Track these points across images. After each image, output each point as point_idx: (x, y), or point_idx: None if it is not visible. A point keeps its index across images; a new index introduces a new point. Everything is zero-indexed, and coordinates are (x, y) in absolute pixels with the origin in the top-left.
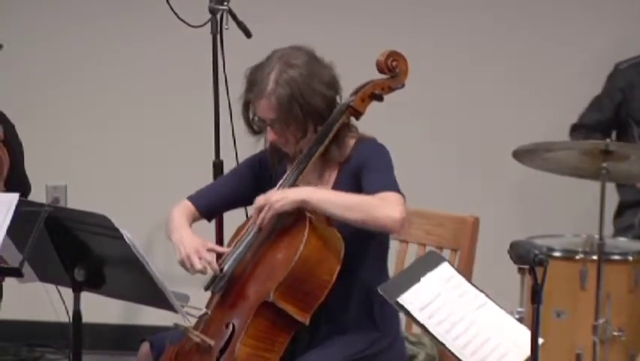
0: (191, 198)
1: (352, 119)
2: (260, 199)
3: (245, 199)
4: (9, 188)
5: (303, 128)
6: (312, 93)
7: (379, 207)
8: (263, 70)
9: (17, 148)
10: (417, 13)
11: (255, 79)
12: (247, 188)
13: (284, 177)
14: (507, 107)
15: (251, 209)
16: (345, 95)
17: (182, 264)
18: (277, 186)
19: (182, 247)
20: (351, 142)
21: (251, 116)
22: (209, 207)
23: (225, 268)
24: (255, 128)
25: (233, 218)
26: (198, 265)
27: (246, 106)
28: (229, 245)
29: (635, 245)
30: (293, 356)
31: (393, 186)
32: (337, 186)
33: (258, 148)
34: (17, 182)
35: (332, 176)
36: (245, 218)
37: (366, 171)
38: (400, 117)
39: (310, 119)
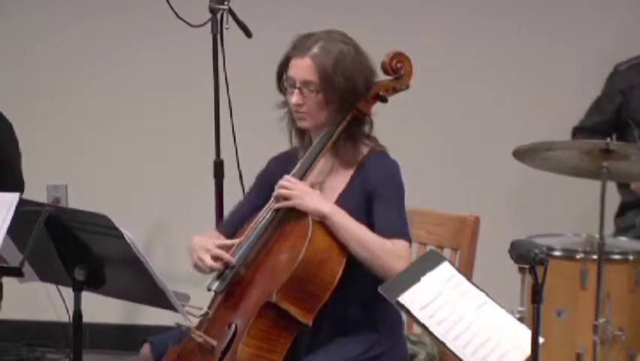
0: (217, 228)
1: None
2: (287, 185)
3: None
4: (1, 187)
5: (335, 101)
6: (356, 70)
7: (388, 259)
8: (312, 36)
9: (11, 147)
10: (418, 14)
11: (301, 40)
12: (262, 202)
13: (295, 168)
14: (508, 107)
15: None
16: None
17: (196, 267)
18: (290, 174)
19: (192, 252)
20: (365, 150)
21: (284, 77)
22: (234, 229)
23: (235, 258)
24: (282, 87)
25: None
26: (210, 262)
27: (285, 63)
28: (237, 237)
29: (635, 245)
30: (294, 358)
31: (405, 231)
32: (349, 187)
33: (259, 147)
34: (10, 181)
35: (347, 174)
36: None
37: (380, 200)
38: (400, 117)
39: (346, 94)
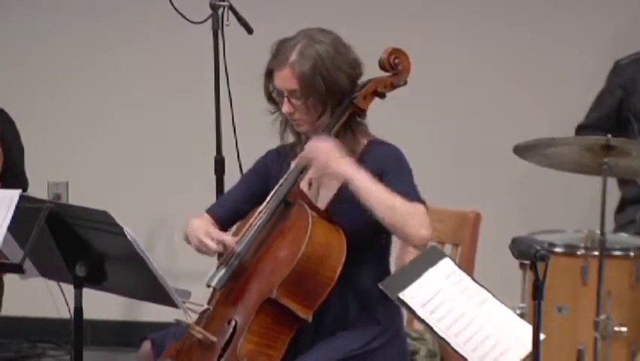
0: (207, 210)
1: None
2: (311, 149)
3: (257, 202)
4: (4, 184)
5: (323, 103)
6: (336, 69)
7: (413, 219)
8: (288, 42)
9: (15, 145)
10: (418, 11)
11: (279, 49)
12: (257, 191)
13: (289, 170)
14: (508, 103)
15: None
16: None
17: (198, 249)
18: (284, 177)
19: (193, 235)
20: (364, 141)
21: (271, 88)
22: (225, 213)
23: (239, 248)
24: (273, 99)
25: None
26: (213, 245)
27: (268, 75)
28: (235, 234)
29: (636, 241)
30: (296, 352)
31: (420, 197)
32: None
33: (260, 143)
34: (13, 178)
35: None
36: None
37: (390, 177)
38: (402, 113)
39: (331, 95)
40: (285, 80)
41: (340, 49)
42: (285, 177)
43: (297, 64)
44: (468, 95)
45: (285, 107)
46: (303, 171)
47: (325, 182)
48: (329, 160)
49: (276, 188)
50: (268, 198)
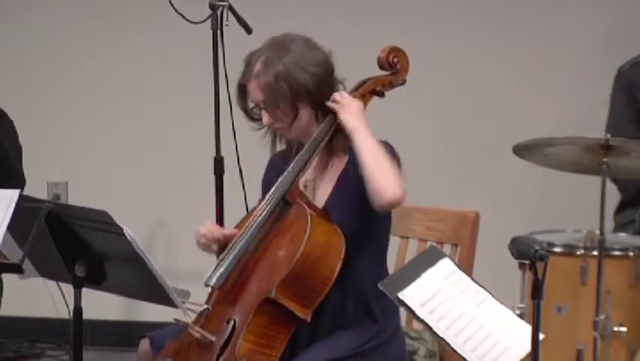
0: None
1: None
2: (341, 99)
3: None
4: (1, 184)
5: (294, 108)
6: (300, 71)
7: (394, 178)
8: (255, 54)
9: (11, 144)
10: (417, 10)
11: (247, 63)
12: None
13: (287, 170)
14: (508, 103)
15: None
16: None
17: (198, 243)
18: (282, 176)
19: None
20: None
21: (250, 105)
22: None
23: (237, 247)
24: (252, 115)
25: (234, 211)
26: (201, 229)
27: (241, 91)
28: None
29: (635, 240)
30: (294, 351)
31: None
32: (345, 173)
33: (259, 144)
34: (10, 178)
35: (339, 167)
36: (245, 212)
37: None
38: (401, 113)
39: (299, 98)
40: (255, 92)
41: (305, 51)
42: (283, 176)
43: (261, 75)
44: (468, 94)
45: (264, 119)
46: (300, 171)
47: (321, 183)
48: (343, 108)
49: (274, 187)
50: (267, 198)
